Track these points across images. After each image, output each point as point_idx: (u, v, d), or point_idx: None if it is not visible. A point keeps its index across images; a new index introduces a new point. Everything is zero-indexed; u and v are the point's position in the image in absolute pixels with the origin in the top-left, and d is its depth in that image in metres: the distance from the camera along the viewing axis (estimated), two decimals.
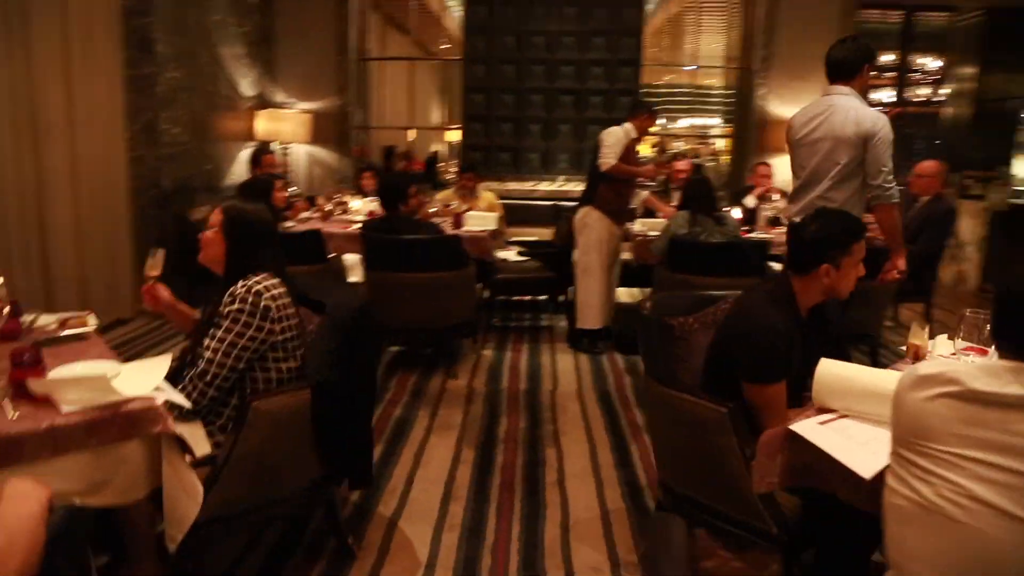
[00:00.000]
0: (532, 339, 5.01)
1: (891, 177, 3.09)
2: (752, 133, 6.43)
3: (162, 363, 1.89)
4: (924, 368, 1.24)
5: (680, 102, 12.08)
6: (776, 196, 5.29)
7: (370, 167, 6.01)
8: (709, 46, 8.67)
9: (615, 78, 6.46)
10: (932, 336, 1.97)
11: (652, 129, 4.89)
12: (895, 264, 3.26)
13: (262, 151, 5.44)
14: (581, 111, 6.55)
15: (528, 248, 5.31)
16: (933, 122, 7.95)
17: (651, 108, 4.71)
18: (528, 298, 5.70)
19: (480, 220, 4.91)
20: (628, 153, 4.60)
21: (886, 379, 1.65)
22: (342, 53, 6.13)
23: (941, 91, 8.26)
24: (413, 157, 9.25)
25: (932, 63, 8.24)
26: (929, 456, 1.18)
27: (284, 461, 2.15)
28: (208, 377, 2.01)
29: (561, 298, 5.28)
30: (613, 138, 4.58)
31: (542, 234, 6.02)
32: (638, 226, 4.91)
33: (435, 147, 11.17)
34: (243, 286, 2.05)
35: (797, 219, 2.98)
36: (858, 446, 1.52)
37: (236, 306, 2.03)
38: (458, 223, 4.84)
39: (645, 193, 5.23)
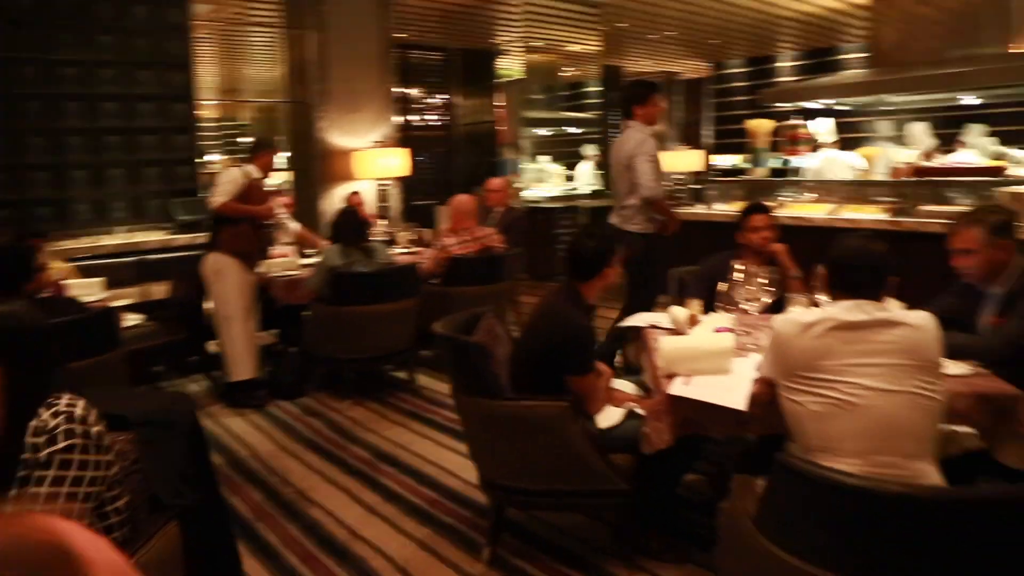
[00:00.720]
0: None
1: (653, 183, 4.24)
2: (315, 164, 6.66)
3: None
4: (803, 317, 1.86)
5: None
6: (383, 223, 5.68)
7: None
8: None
9: (169, 115, 5.93)
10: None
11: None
12: (667, 228, 4.44)
13: None
14: (133, 153, 5.83)
15: (151, 311, 4.61)
16: (444, 143, 9.37)
17: (271, 145, 4.63)
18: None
19: (86, 288, 4.12)
20: (252, 192, 4.44)
21: (712, 342, 2.26)
22: None
23: (427, 116, 9.74)
24: None
25: (417, 93, 9.66)
26: (829, 371, 1.79)
27: None
28: None
29: (195, 357, 4.77)
30: (227, 177, 4.41)
31: (129, 295, 5.24)
32: (263, 269, 4.73)
33: None
34: (55, 415, 1.58)
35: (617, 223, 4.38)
36: (723, 391, 2.08)
37: (61, 445, 1.55)
38: (60, 295, 3.96)
39: (296, 226, 5.11)
